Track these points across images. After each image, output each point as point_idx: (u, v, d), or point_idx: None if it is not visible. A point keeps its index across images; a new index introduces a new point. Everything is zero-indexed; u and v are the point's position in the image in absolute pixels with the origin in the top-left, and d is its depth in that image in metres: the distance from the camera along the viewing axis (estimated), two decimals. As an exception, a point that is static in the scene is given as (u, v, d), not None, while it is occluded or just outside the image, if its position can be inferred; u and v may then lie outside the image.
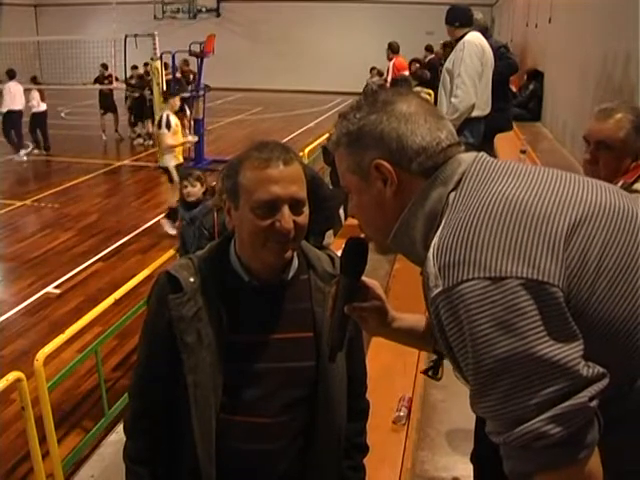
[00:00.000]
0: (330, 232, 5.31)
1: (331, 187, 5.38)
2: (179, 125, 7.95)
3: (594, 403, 0.94)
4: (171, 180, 7.77)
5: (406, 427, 2.84)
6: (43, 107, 12.78)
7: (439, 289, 0.99)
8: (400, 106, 1.14)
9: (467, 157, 1.13)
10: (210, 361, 1.47)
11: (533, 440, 0.93)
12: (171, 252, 5.11)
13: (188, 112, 13.57)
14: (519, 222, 0.98)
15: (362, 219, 1.25)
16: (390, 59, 11.28)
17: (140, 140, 14.07)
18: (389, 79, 10.72)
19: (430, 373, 1.44)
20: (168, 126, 7.69)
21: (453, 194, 1.08)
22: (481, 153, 1.15)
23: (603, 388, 0.95)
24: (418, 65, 11.99)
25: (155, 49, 11.27)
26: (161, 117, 7.84)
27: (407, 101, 1.16)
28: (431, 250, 1.03)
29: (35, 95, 12.53)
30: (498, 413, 0.96)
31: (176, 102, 8.06)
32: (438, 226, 1.07)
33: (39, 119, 12.66)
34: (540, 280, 0.94)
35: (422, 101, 1.19)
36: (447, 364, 1.19)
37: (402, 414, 2.88)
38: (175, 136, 7.80)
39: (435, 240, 1.04)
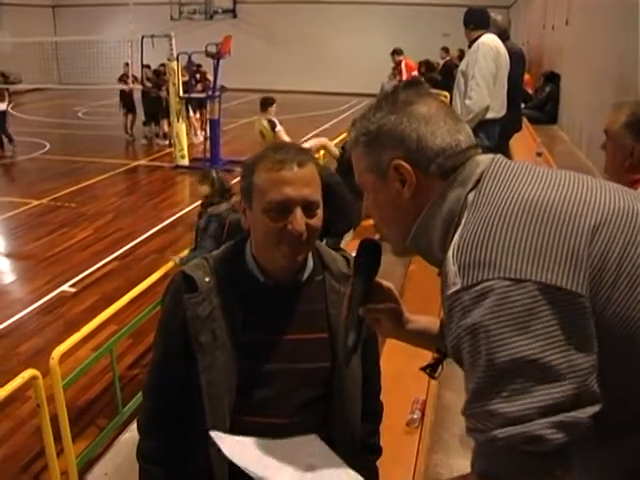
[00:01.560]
0: (349, 232, 5.33)
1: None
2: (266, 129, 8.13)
3: (589, 424, 0.94)
4: None
5: (419, 429, 2.84)
6: (2, 107, 12.84)
7: (457, 287, 0.99)
8: (420, 107, 1.15)
9: (485, 158, 1.14)
10: (224, 361, 1.48)
11: (524, 442, 0.93)
12: (186, 252, 5.12)
13: (192, 113, 13.65)
14: (541, 224, 0.98)
15: (378, 218, 1.25)
16: (399, 62, 11.49)
17: (144, 141, 14.11)
18: (403, 79, 10.85)
19: (428, 371, 1.45)
20: (273, 128, 7.96)
21: (472, 195, 1.08)
22: (498, 155, 1.15)
23: (595, 413, 0.95)
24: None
25: (172, 50, 11.33)
26: (270, 121, 8.03)
27: (427, 103, 1.16)
28: (451, 249, 1.03)
29: None
30: (499, 412, 0.95)
31: (272, 109, 8.17)
32: (457, 226, 1.07)
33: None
34: (559, 286, 0.94)
35: (440, 103, 1.20)
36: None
37: (415, 416, 2.87)
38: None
39: (455, 239, 1.04)
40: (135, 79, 14.20)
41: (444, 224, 1.11)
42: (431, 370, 1.44)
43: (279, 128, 8.05)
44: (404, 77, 11.08)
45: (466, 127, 1.18)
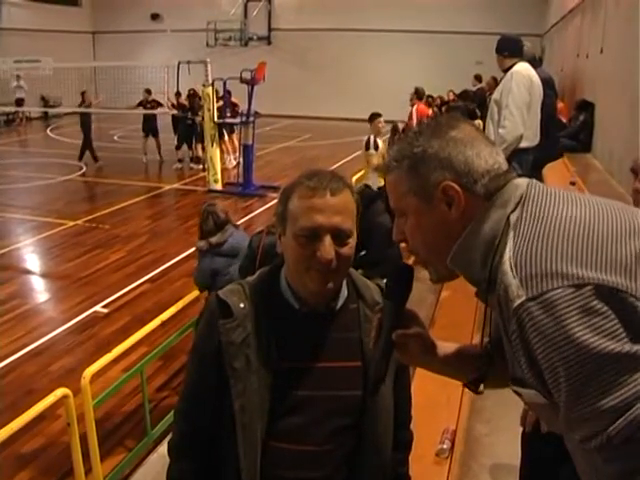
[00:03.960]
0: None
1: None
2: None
3: None
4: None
5: (449, 460, 2.80)
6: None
7: (522, 298, 1.02)
8: (461, 131, 1.19)
9: (522, 181, 1.18)
10: (258, 387, 1.47)
11: (637, 428, 0.97)
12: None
13: (226, 137, 13.80)
14: (591, 240, 1.04)
15: (418, 241, 1.25)
16: (413, 104, 11.04)
17: (179, 165, 14.32)
18: (413, 125, 10.45)
19: (472, 387, 1.43)
20: (376, 147, 7.80)
21: (514, 215, 1.12)
22: (533, 179, 1.19)
23: None
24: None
25: (207, 76, 11.52)
26: (368, 139, 7.93)
27: (466, 127, 1.21)
28: (507, 264, 1.06)
29: None
30: (599, 409, 0.99)
31: (380, 125, 8.13)
32: (498, 245, 1.11)
33: None
34: (614, 287, 1.00)
35: (477, 129, 1.23)
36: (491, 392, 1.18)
37: (445, 447, 2.84)
38: (381, 157, 7.77)
39: (509, 255, 1.07)
40: (158, 104, 14.47)
41: (486, 244, 1.14)
42: (474, 385, 1.43)
43: (371, 151, 7.77)
44: (413, 123, 10.67)
45: (500, 151, 1.22)
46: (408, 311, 1.36)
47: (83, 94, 14.50)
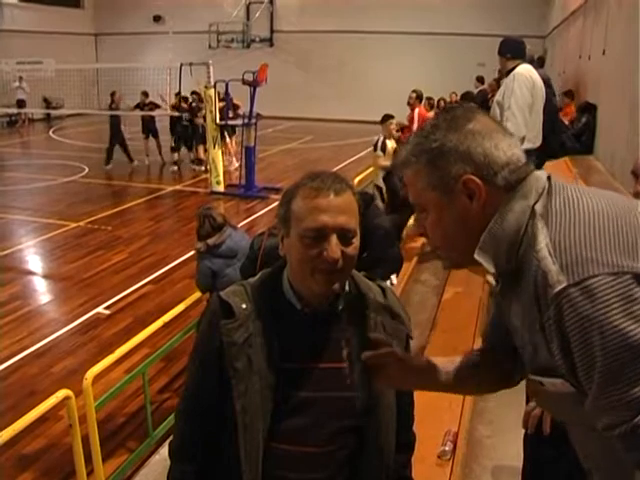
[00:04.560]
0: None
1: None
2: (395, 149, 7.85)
3: None
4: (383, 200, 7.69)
5: (451, 462, 2.80)
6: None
7: (563, 284, 1.03)
8: (477, 124, 1.19)
9: (542, 174, 1.19)
10: (259, 387, 1.47)
11: None
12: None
13: (228, 139, 13.81)
14: (621, 231, 1.07)
15: (439, 234, 1.25)
16: (414, 108, 10.26)
17: (174, 167, 14.33)
18: (414, 128, 9.23)
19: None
20: (383, 149, 7.78)
21: (539, 206, 1.14)
22: (549, 173, 1.21)
23: None
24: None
25: (209, 77, 11.52)
26: (377, 140, 7.93)
27: (482, 119, 1.21)
28: (545, 251, 1.08)
29: None
30: (627, 398, 1.00)
31: (392, 127, 8.10)
32: (523, 236, 1.13)
33: None
34: None
35: (493, 120, 1.25)
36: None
37: (447, 449, 2.84)
38: (389, 158, 7.68)
39: (545, 242, 1.09)
40: (156, 106, 14.50)
41: (512, 235, 1.15)
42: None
43: (378, 152, 7.69)
44: (414, 127, 9.68)
45: (518, 142, 1.23)
46: (373, 337, 1.38)
47: (113, 95, 14.26)
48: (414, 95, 10.30)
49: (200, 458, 1.58)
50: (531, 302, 1.11)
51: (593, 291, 1.01)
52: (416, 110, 10.06)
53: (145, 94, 14.52)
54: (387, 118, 7.97)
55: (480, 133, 1.17)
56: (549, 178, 1.19)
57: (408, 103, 10.41)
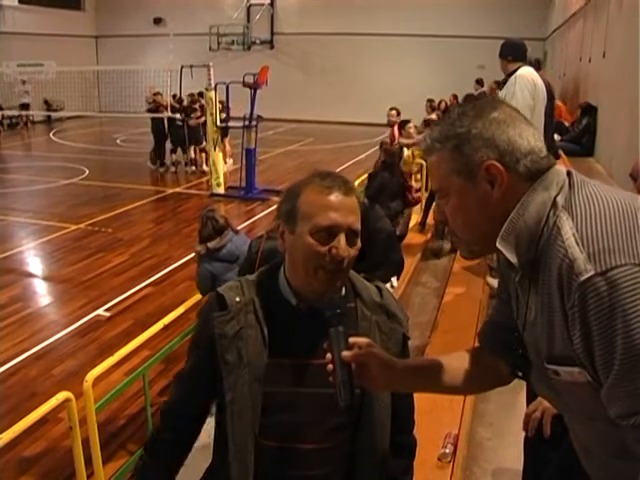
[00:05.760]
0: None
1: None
2: (410, 156, 7.73)
3: None
4: None
5: (451, 464, 2.80)
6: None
7: (590, 273, 1.06)
8: (503, 112, 1.22)
9: (562, 168, 1.22)
10: (248, 380, 1.48)
11: None
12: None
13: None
14: None
15: (460, 220, 1.27)
16: (393, 125, 9.36)
17: (173, 168, 14.29)
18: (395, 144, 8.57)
19: (521, 374, 1.45)
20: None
21: (561, 198, 1.16)
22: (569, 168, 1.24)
23: None
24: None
25: (210, 79, 11.52)
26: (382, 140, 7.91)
27: (506, 109, 1.24)
28: (572, 240, 1.10)
29: None
30: None
31: (411, 130, 8.07)
32: (544, 226, 1.15)
33: None
34: None
35: (517, 111, 1.26)
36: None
37: (448, 451, 2.83)
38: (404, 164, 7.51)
39: (572, 232, 1.11)
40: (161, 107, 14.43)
41: (534, 225, 1.17)
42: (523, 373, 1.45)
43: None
44: (396, 142, 8.74)
45: (540, 134, 1.25)
46: (353, 342, 1.38)
47: (155, 95, 14.14)
48: (394, 113, 9.71)
49: (179, 434, 1.63)
50: (553, 291, 1.12)
51: (618, 280, 1.03)
52: (394, 127, 9.25)
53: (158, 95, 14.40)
54: (404, 123, 8.00)
55: (505, 122, 1.20)
56: (569, 173, 1.21)
57: (388, 123, 9.74)
